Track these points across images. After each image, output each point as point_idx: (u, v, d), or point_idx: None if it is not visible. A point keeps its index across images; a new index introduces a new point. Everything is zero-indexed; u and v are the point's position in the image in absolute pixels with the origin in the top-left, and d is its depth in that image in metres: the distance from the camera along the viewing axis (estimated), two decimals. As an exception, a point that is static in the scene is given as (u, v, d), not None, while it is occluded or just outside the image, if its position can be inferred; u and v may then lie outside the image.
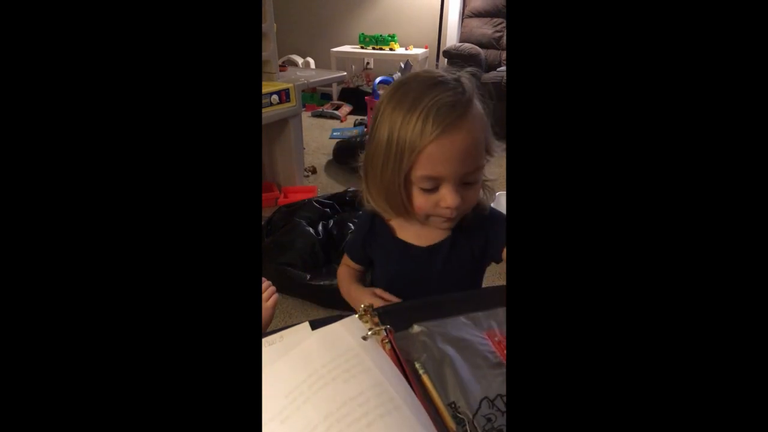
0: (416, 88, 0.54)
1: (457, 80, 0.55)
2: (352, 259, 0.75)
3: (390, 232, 0.68)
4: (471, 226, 0.62)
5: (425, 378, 0.43)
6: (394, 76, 2.82)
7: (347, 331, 0.46)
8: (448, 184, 0.54)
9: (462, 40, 3.21)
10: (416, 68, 3.23)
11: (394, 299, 0.67)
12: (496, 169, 0.63)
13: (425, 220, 0.60)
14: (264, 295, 0.67)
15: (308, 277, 1.34)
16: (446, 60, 2.87)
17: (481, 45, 3.06)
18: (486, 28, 3.18)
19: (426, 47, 3.40)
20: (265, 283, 0.69)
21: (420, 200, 0.56)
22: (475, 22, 3.24)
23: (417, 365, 0.45)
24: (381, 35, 3.33)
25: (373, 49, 3.35)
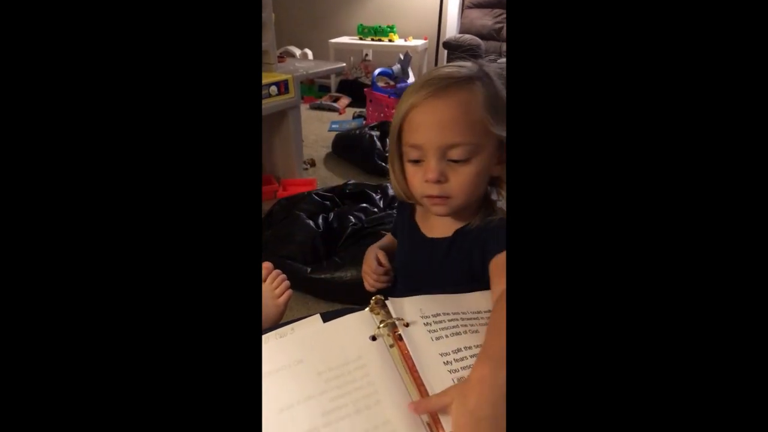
0: (432, 70, 0.57)
1: (471, 66, 0.56)
2: (391, 230, 0.80)
3: (411, 214, 0.69)
4: (476, 230, 0.58)
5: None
6: (393, 67, 2.79)
7: (356, 329, 0.45)
8: (429, 154, 0.53)
9: (462, 31, 3.18)
10: (416, 59, 3.21)
11: (385, 262, 0.71)
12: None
13: (424, 202, 0.58)
14: (277, 291, 0.67)
15: (308, 270, 1.33)
16: (446, 51, 2.85)
17: (482, 36, 3.03)
18: (486, 19, 3.15)
19: (425, 38, 3.37)
20: (280, 277, 0.69)
21: (410, 173, 0.57)
22: (475, 13, 3.21)
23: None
24: (380, 26, 3.29)
25: (372, 40, 3.32)
